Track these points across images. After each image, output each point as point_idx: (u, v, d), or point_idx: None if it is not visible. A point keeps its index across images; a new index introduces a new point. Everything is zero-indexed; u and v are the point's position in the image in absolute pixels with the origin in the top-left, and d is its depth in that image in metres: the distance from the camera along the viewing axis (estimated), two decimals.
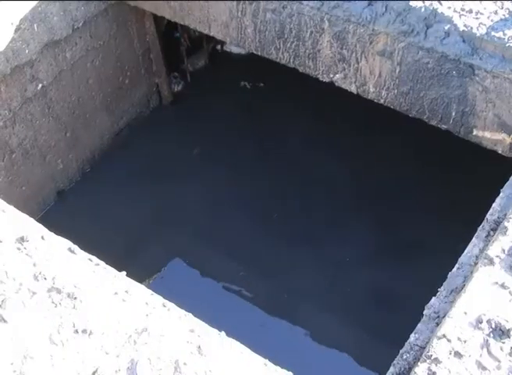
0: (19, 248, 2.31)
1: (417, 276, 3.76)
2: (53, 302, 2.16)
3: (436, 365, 2.01)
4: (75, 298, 2.17)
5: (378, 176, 4.34)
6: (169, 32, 4.87)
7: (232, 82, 5.03)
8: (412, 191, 4.20)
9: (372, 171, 4.36)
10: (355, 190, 4.28)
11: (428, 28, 3.01)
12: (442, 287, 2.33)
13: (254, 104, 4.86)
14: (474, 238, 2.45)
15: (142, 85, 4.70)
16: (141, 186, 4.37)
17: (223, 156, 4.54)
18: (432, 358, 2.02)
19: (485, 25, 2.93)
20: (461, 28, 2.94)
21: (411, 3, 3.04)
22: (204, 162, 4.52)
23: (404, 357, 2.16)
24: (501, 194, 2.55)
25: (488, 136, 3.12)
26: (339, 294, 3.82)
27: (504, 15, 2.96)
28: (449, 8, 3.01)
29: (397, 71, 3.18)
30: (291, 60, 3.51)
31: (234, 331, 2.27)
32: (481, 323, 2.09)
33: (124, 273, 2.33)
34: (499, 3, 3.02)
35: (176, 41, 4.98)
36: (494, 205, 2.52)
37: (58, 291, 2.18)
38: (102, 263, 2.34)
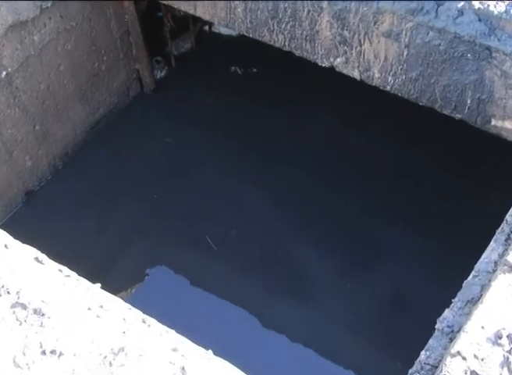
0: None
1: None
2: (17, 320, 2.14)
3: None
4: (42, 315, 2.15)
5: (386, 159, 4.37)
6: (151, 12, 4.84)
7: (221, 67, 5.01)
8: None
9: (374, 158, 4.41)
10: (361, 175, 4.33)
11: (439, 6, 2.99)
12: (456, 298, 2.31)
13: (247, 91, 4.84)
14: (492, 242, 2.43)
15: (120, 71, 4.67)
16: (121, 185, 4.36)
17: (211, 151, 4.52)
18: None
19: (503, 2, 2.92)
20: (476, 6, 2.93)
21: None
22: (191, 158, 4.50)
23: None
24: None
25: (508, 126, 3.11)
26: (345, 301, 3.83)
27: None
28: None
29: (405, 54, 3.16)
30: (286, 43, 3.49)
31: (223, 349, 2.25)
32: (500, 338, 2.07)
33: (99, 285, 2.31)
34: None
35: (158, 22, 4.95)
36: None
37: (24, 307, 2.15)
38: (74, 274, 2.31)
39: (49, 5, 3.89)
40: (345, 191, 4.28)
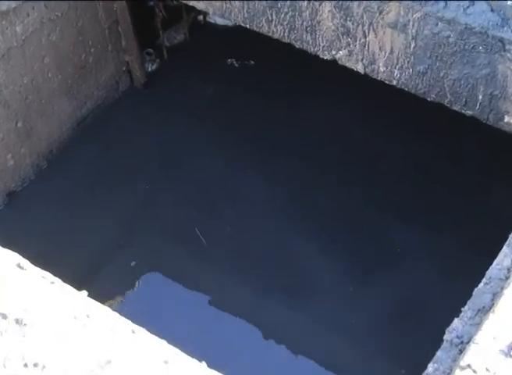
0: None
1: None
2: None
3: None
4: (24, 325, 2.14)
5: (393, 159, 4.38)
6: (141, 0, 4.84)
7: (217, 59, 5.01)
8: None
9: (378, 151, 4.44)
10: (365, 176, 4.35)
11: None
12: (466, 306, 2.31)
13: (244, 84, 4.84)
14: (504, 247, 2.43)
15: (109, 64, 4.67)
16: (109, 185, 4.35)
17: (206, 148, 4.51)
18: None
19: None
20: None
21: None
22: (183, 156, 4.50)
23: None
24: None
25: None
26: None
27: None
28: None
29: (412, 47, 3.16)
30: (285, 34, 3.49)
31: (218, 360, 2.25)
32: None
33: (85, 292, 2.30)
34: None
35: (149, 11, 4.95)
36: None
37: (4, 317, 2.14)
38: (58, 281, 2.30)
39: None
40: (348, 185, 4.30)
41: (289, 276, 3.97)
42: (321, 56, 3.48)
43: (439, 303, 3.69)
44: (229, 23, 5.03)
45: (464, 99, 3.19)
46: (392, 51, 3.24)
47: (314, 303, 3.87)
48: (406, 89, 3.33)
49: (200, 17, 5.26)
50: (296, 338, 3.76)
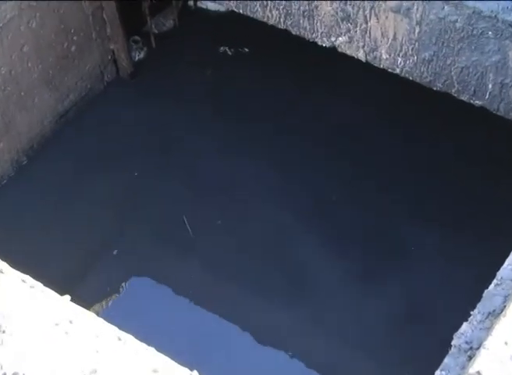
0: None
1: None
2: None
3: None
4: (3, 332, 2.14)
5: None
6: None
7: (209, 47, 5.01)
8: None
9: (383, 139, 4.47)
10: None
11: None
12: (475, 310, 2.31)
13: (238, 73, 4.83)
14: None
15: (93, 53, 4.66)
16: (93, 181, 4.36)
17: (197, 143, 4.52)
18: None
19: None
20: None
21: None
22: (172, 151, 4.51)
23: None
24: None
25: None
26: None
27: None
28: None
29: (417, 32, 3.16)
30: (281, 19, 3.49)
31: (210, 369, 2.25)
32: None
33: (68, 297, 2.29)
34: None
35: None
36: None
37: None
38: (39, 285, 2.30)
39: None
40: (361, 178, 4.32)
41: (289, 279, 3.99)
42: (319, 43, 3.48)
43: (449, 305, 3.70)
44: (222, 9, 5.03)
45: (472, 88, 3.20)
46: (395, 38, 3.24)
47: (319, 303, 3.88)
48: (410, 78, 3.33)
49: (191, 2, 5.26)
50: (296, 341, 3.77)
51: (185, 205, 4.27)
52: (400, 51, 3.26)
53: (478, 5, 2.96)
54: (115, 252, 4.11)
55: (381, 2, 3.16)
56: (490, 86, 3.14)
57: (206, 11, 5.22)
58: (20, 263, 2.42)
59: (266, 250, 4.08)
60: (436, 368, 2.21)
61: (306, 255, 4.05)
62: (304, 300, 3.90)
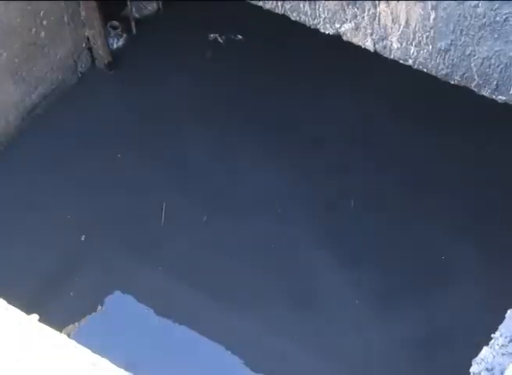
0: None
1: None
2: None
3: None
4: None
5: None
6: None
7: (197, 35, 5.02)
8: None
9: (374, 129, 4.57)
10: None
11: None
12: (497, 333, 2.31)
13: (230, 64, 4.85)
14: None
15: (66, 40, 4.67)
16: (65, 184, 4.38)
17: (183, 142, 4.54)
18: None
19: None
20: None
21: None
22: (154, 149, 4.53)
23: None
24: None
25: None
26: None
27: None
28: None
29: (432, 18, 3.16)
30: (279, 4, 3.49)
31: None
32: None
33: (36, 316, 2.29)
34: None
35: None
36: None
37: None
38: (3, 303, 2.30)
39: None
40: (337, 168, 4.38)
41: (292, 292, 4.04)
42: (322, 30, 3.48)
43: (472, 329, 3.72)
44: None
45: (494, 82, 3.20)
46: (407, 25, 3.24)
47: (333, 321, 3.94)
48: (425, 70, 3.34)
49: None
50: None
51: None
52: (413, 39, 3.26)
53: None
54: (91, 265, 4.13)
55: None
56: None
57: None
58: None
59: (262, 253, 4.14)
60: None
61: (317, 266, 4.12)
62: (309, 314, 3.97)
